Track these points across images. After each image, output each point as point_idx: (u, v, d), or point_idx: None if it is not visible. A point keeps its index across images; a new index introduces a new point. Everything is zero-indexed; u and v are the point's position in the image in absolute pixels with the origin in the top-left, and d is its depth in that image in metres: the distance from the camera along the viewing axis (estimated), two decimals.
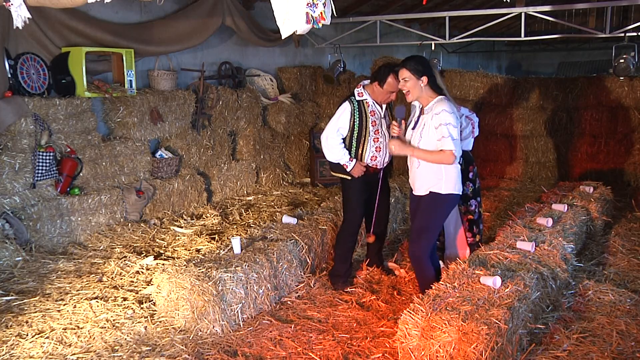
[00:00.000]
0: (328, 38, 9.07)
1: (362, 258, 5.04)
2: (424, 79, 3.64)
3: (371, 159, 4.32)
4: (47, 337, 3.62)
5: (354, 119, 4.26)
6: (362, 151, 4.30)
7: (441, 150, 3.59)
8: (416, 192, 3.87)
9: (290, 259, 4.34)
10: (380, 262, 4.81)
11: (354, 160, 4.28)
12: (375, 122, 4.27)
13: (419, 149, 3.71)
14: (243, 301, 3.84)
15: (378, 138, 4.28)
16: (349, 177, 4.35)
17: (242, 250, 4.20)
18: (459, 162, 3.79)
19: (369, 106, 4.27)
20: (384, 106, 4.34)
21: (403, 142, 3.81)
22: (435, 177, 3.71)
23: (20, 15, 3.11)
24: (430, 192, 3.75)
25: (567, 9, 8.85)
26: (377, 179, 4.40)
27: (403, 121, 3.94)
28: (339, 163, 4.31)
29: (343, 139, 4.30)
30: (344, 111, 4.28)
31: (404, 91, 3.75)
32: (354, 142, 4.30)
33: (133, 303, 4.14)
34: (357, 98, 4.28)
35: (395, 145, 3.78)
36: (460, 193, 3.82)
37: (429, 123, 3.65)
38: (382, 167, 4.39)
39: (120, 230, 5.73)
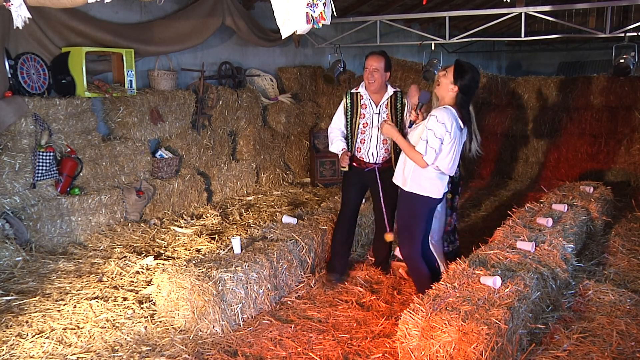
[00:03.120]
0: (328, 38, 9.07)
1: (362, 258, 5.04)
2: (455, 88, 3.67)
3: (357, 151, 4.47)
4: (47, 337, 3.62)
5: (347, 110, 4.45)
6: (353, 142, 4.47)
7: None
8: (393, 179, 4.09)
9: (290, 259, 4.35)
10: (387, 267, 4.79)
11: (344, 150, 4.43)
12: (364, 114, 4.40)
13: (402, 137, 3.87)
14: (243, 301, 3.84)
15: (364, 131, 4.41)
16: (343, 169, 4.54)
17: (242, 250, 4.20)
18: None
19: (362, 99, 4.42)
20: (382, 105, 4.38)
21: (394, 128, 3.94)
22: (402, 172, 3.91)
23: (20, 15, 3.11)
24: (398, 187, 3.97)
25: (567, 9, 8.85)
26: (372, 177, 4.44)
27: (424, 107, 4.09)
28: None
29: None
30: (341, 104, 4.53)
31: (438, 83, 3.81)
32: (349, 133, 4.49)
33: (133, 303, 4.15)
34: (352, 91, 4.47)
35: (385, 126, 3.97)
36: (434, 196, 3.81)
37: (425, 122, 3.75)
38: (374, 163, 4.44)
39: (121, 230, 5.73)
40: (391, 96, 4.39)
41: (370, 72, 4.29)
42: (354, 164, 4.48)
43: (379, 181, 4.40)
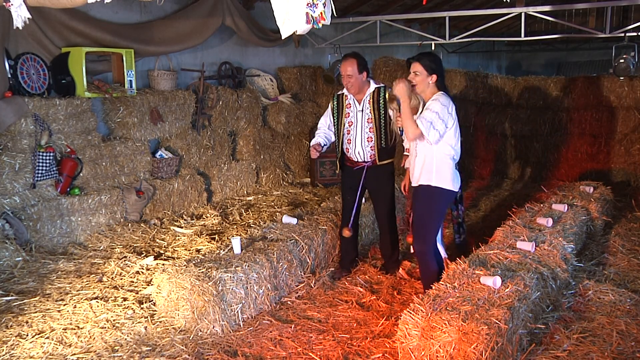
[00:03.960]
0: (328, 38, 9.07)
1: (362, 259, 5.04)
2: (434, 77, 3.73)
3: (345, 151, 4.56)
4: (47, 337, 3.62)
5: (334, 112, 4.58)
6: (340, 143, 4.57)
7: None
8: (413, 183, 3.98)
9: (290, 259, 4.35)
10: (392, 268, 4.76)
11: (315, 143, 4.55)
12: (349, 114, 4.49)
13: (408, 107, 3.65)
14: (243, 301, 3.84)
15: (350, 130, 4.49)
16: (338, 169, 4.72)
17: (242, 250, 4.20)
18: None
19: (346, 99, 4.51)
20: (365, 101, 4.42)
21: (407, 90, 3.66)
22: (421, 169, 3.83)
23: (20, 15, 3.11)
24: (420, 184, 3.86)
25: (567, 9, 8.85)
26: (361, 176, 4.49)
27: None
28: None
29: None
30: (329, 106, 4.66)
31: (412, 83, 3.74)
32: (336, 134, 4.60)
33: (133, 303, 4.15)
34: (338, 93, 4.59)
35: (400, 86, 3.65)
36: (454, 189, 3.86)
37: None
38: (363, 161, 4.49)
39: (121, 231, 5.73)
40: (373, 92, 4.42)
41: (345, 78, 4.39)
42: (347, 163, 4.59)
43: (362, 178, 4.47)
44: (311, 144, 4.60)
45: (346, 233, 4.54)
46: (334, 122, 4.58)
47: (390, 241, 4.72)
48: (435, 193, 3.83)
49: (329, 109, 4.65)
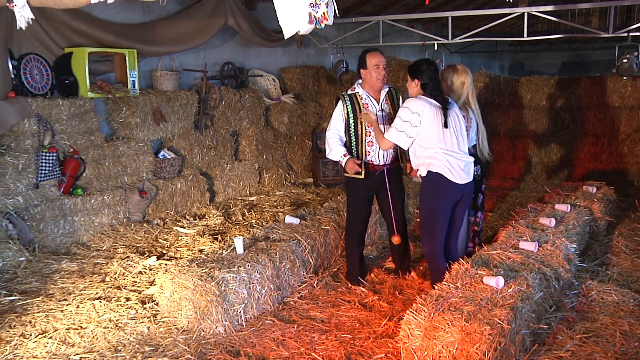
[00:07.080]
0: (330, 38, 9.08)
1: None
2: (416, 81, 3.98)
3: (367, 154, 4.29)
4: (51, 337, 3.63)
5: (348, 113, 4.28)
6: (360, 147, 4.28)
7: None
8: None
9: (293, 259, 4.35)
10: (405, 271, 4.67)
11: (348, 156, 4.25)
12: (368, 114, 4.28)
13: (377, 129, 4.15)
14: (246, 301, 3.84)
15: (370, 132, 4.25)
16: (355, 176, 4.30)
17: (244, 250, 4.20)
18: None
19: (362, 99, 4.28)
20: (382, 101, 4.29)
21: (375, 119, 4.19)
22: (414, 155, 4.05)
23: (23, 16, 3.12)
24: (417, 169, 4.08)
25: (570, 9, 8.85)
26: (382, 179, 4.32)
27: None
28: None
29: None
30: (337, 108, 4.34)
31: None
32: (352, 137, 4.29)
33: (136, 303, 4.15)
34: (349, 92, 4.32)
35: (363, 114, 4.23)
36: (454, 181, 3.84)
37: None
38: (383, 164, 4.32)
39: (123, 231, 5.73)
40: (387, 92, 4.33)
41: (382, 68, 4.19)
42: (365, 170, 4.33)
43: (387, 182, 4.29)
44: (339, 156, 4.24)
45: (396, 240, 4.34)
46: (352, 124, 4.26)
47: (403, 245, 4.57)
48: (429, 179, 3.89)
49: (341, 111, 4.28)
